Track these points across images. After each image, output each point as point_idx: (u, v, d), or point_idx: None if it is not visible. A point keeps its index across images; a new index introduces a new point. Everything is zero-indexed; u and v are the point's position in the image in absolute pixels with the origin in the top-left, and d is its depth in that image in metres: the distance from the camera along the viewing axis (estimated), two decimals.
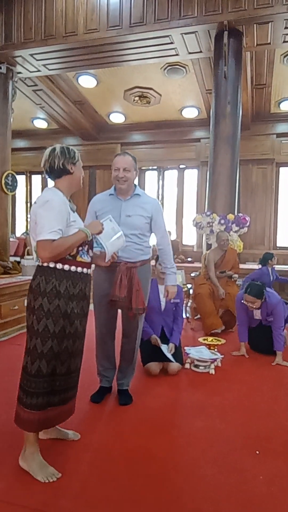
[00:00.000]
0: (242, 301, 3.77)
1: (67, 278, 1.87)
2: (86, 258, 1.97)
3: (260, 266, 5.48)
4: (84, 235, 1.90)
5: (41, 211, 1.83)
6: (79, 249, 1.91)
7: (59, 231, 1.80)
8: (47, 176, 2.04)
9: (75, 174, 2.00)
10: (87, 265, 1.98)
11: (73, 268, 1.89)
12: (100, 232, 2.01)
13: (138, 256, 2.57)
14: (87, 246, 1.97)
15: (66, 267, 1.87)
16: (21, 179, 9.99)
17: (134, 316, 2.56)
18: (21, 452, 1.92)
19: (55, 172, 1.96)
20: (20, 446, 1.94)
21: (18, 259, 5.98)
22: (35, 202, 1.91)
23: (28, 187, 10.63)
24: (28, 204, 10.66)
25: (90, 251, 2.02)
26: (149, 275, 2.73)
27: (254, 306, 3.67)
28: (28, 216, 10.76)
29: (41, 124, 9.56)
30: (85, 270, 1.95)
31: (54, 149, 1.98)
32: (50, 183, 2.03)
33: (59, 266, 1.85)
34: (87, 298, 1.99)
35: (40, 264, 1.89)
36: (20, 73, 6.59)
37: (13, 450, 2.02)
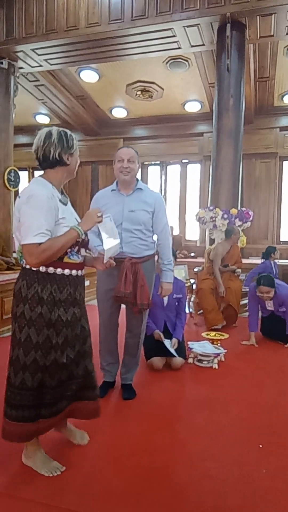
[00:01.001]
0: (257, 293, 3.94)
1: (51, 282, 1.67)
2: (76, 259, 1.77)
3: (262, 260, 5.47)
4: (76, 234, 1.67)
5: (26, 208, 1.61)
6: (67, 250, 1.70)
7: (46, 233, 1.60)
8: (37, 163, 1.79)
9: (71, 165, 1.79)
10: (78, 266, 1.78)
11: (58, 270, 1.69)
12: (96, 223, 1.78)
13: (143, 252, 2.56)
14: (77, 246, 1.76)
15: (51, 269, 1.67)
16: (23, 175, 9.98)
17: (138, 311, 2.56)
18: (23, 450, 1.88)
19: (49, 162, 1.74)
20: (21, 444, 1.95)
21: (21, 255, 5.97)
22: (19, 196, 1.70)
23: None
24: None
25: (82, 250, 1.82)
26: (154, 270, 2.72)
27: (269, 296, 3.86)
28: None
29: (43, 119, 9.54)
30: (74, 272, 1.74)
31: (50, 135, 1.74)
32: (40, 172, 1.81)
33: (42, 269, 1.65)
34: (78, 303, 1.79)
35: (24, 265, 1.72)
36: (21, 68, 6.57)
37: (16, 444, 2.04)
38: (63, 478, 1.80)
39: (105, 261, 1.89)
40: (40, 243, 1.58)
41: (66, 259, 1.72)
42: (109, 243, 1.88)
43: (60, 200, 1.72)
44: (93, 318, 2.23)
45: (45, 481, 1.77)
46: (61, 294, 1.70)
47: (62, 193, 1.81)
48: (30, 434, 1.75)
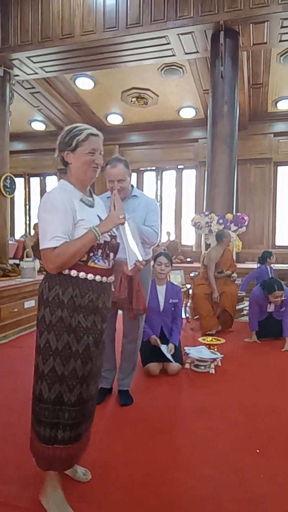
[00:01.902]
0: (270, 298, 4.11)
1: (73, 286, 1.55)
2: (103, 264, 1.61)
3: (258, 264, 5.49)
4: (93, 236, 1.53)
5: (41, 213, 1.55)
6: (89, 254, 1.57)
7: (62, 236, 1.50)
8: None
9: (73, 165, 1.63)
10: (103, 271, 1.61)
11: (81, 274, 1.55)
12: (117, 224, 1.60)
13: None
14: (100, 249, 1.60)
15: (73, 272, 1.55)
16: (19, 181, 10.00)
17: (135, 316, 2.56)
18: (43, 486, 1.67)
19: (61, 162, 1.69)
20: (19, 449, 1.94)
21: (17, 261, 5.98)
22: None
23: (27, 190, 10.64)
24: (27, 207, 10.67)
25: (111, 254, 1.65)
26: (150, 275, 2.72)
27: (282, 298, 4.04)
28: (27, 218, 10.77)
29: (39, 126, 9.58)
30: (98, 277, 1.59)
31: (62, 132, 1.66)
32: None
33: (65, 271, 1.54)
34: (100, 312, 1.61)
35: None
36: (17, 75, 6.60)
37: (14, 451, 2.02)
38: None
39: (130, 267, 1.69)
40: (55, 247, 1.49)
41: (90, 263, 1.58)
42: (133, 246, 1.74)
43: (82, 201, 1.61)
44: None
45: (42, 488, 1.76)
46: (82, 300, 1.56)
47: (90, 194, 1.70)
48: (48, 461, 1.59)
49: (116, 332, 2.76)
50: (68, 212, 1.52)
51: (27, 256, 5.12)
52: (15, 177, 6.84)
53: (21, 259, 5.29)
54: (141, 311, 2.52)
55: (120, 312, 2.66)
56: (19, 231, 10.73)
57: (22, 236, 9.49)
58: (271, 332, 4.29)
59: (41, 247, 1.53)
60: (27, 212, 10.72)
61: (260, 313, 4.28)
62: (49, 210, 1.52)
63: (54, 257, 1.49)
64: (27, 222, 10.71)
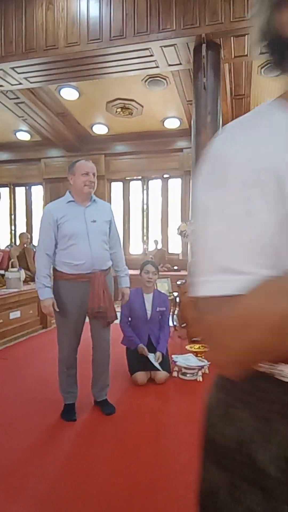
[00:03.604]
0: None
1: None
2: None
3: None
4: None
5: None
6: None
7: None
8: None
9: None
10: None
11: None
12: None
13: (107, 263, 2.61)
14: None
15: None
16: (4, 191, 9.94)
17: (108, 323, 2.59)
18: None
19: None
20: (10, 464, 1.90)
21: (2, 272, 5.91)
22: None
23: (12, 200, 10.55)
24: (12, 216, 10.57)
25: None
26: (112, 281, 2.73)
27: None
28: (12, 228, 10.67)
29: (24, 136, 9.56)
30: None
31: None
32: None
33: None
34: None
35: None
36: (1, 86, 6.60)
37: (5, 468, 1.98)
38: (45, 497, 1.75)
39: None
40: None
41: None
42: None
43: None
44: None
45: (28, 497, 1.73)
46: None
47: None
48: None
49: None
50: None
51: (12, 266, 5.07)
52: (0, 187, 6.79)
53: (6, 269, 5.23)
54: (113, 317, 2.58)
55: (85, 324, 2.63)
56: (4, 241, 10.62)
57: (7, 246, 9.40)
58: None
59: None
60: (12, 222, 10.62)
61: None
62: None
63: None
64: (13, 231, 10.61)
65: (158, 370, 3.21)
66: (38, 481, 1.89)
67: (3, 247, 9.61)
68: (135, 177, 9.90)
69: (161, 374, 3.23)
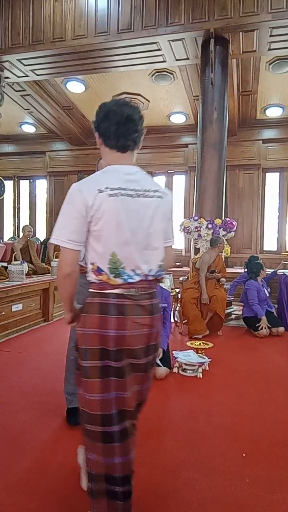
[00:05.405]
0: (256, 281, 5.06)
1: None
2: None
3: (245, 269, 5.53)
4: None
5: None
6: None
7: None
8: None
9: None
10: None
11: None
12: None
13: None
14: None
15: None
16: (8, 184, 9.93)
17: None
18: None
19: None
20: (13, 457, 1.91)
21: (5, 264, 5.93)
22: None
23: (16, 192, 10.56)
24: (16, 209, 10.58)
25: None
26: None
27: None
28: (16, 220, 10.68)
29: (29, 129, 9.53)
30: None
31: None
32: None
33: None
34: None
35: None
36: (7, 78, 6.58)
37: (9, 460, 2.00)
38: (48, 491, 1.77)
39: None
40: None
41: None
42: None
43: None
44: (62, 333, 2.20)
45: (24, 497, 1.74)
46: None
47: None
48: None
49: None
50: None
51: (15, 259, 5.08)
52: (4, 179, 6.80)
53: (9, 262, 5.24)
54: None
55: None
56: (8, 234, 10.63)
57: (10, 239, 9.41)
58: (270, 318, 4.94)
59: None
60: (16, 215, 10.63)
61: (260, 302, 4.96)
62: None
63: None
64: (16, 224, 10.62)
65: (159, 366, 3.22)
66: (40, 475, 1.91)
67: (6, 240, 9.64)
68: None
69: (162, 370, 3.24)
